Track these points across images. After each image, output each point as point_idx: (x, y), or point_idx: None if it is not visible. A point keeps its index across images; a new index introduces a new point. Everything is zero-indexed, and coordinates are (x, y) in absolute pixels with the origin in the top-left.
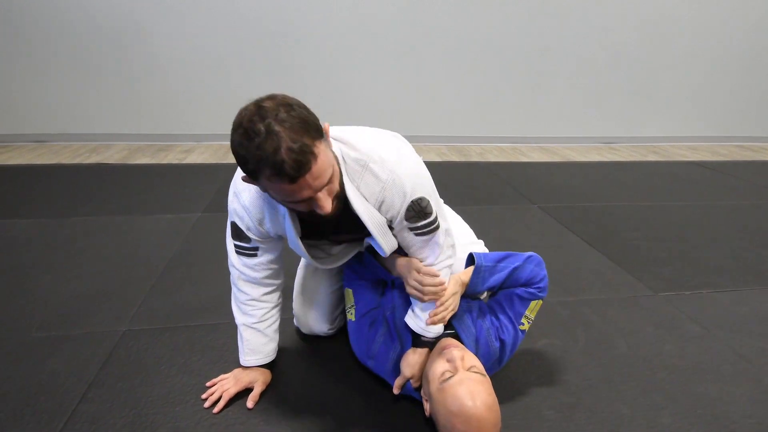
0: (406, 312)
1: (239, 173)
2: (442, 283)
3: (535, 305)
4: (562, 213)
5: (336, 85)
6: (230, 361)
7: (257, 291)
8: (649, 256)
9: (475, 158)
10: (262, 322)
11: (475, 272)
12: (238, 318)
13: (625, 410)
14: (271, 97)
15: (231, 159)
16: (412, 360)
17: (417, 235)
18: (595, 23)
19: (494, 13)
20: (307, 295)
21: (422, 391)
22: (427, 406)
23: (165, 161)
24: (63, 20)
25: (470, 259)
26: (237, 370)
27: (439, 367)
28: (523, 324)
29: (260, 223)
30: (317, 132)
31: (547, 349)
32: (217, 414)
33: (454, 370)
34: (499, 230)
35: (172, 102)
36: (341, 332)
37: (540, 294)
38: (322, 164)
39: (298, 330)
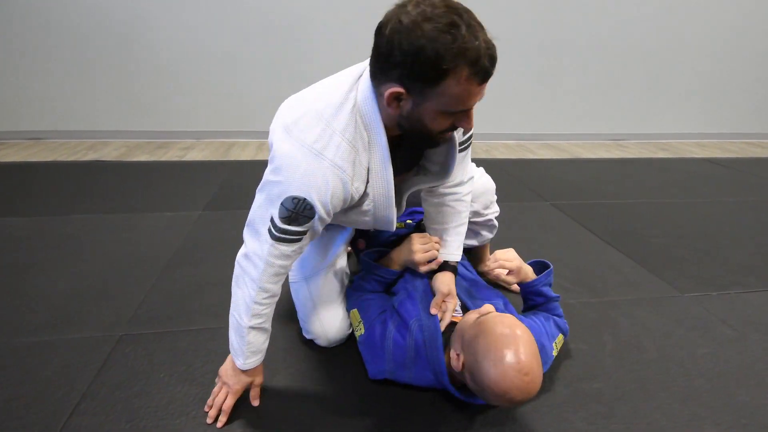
0: (405, 299)
1: (299, 133)
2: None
3: (560, 339)
4: (576, 210)
5: None
6: None
7: (278, 285)
8: (671, 255)
9: (481, 155)
10: (268, 320)
11: (547, 273)
12: (244, 321)
13: (664, 421)
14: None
15: (232, 156)
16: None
17: (460, 150)
18: (602, 19)
19: (501, 9)
20: (323, 312)
21: (452, 352)
22: (457, 361)
23: (164, 158)
24: (59, 15)
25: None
26: (226, 377)
27: (473, 315)
28: (554, 348)
29: (352, 180)
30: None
31: (574, 355)
32: (221, 428)
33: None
34: (516, 228)
35: (171, 98)
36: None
37: (566, 333)
38: None
39: (299, 332)
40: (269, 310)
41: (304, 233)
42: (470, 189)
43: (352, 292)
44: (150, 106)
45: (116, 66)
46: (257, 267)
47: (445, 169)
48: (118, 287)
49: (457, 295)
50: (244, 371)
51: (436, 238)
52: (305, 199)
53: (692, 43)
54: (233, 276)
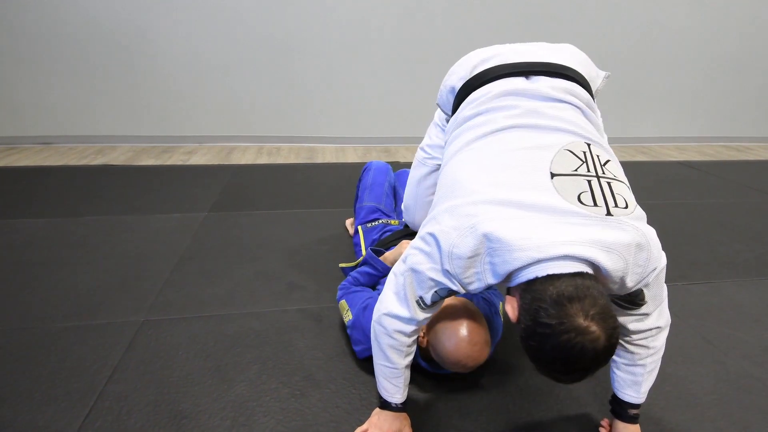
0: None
1: (457, 268)
2: None
3: (501, 306)
4: None
5: (336, 88)
6: (242, 346)
7: (420, 333)
8: None
9: None
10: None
11: None
12: (400, 363)
13: (598, 389)
14: (601, 335)
15: (233, 160)
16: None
17: (629, 310)
18: (585, 26)
19: (486, 17)
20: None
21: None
22: (422, 339)
23: (169, 162)
24: (69, 23)
25: None
26: (381, 422)
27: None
28: (501, 317)
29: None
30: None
31: None
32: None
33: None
34: None
35: (175, 104)
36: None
37: (503, 300)
38: None
39: (299, 319)
40: (414, 348)
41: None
42: (644, 338)
43: (343, 286)
44: (154, 112)
45: (122, 74)
46: (409, 325)
47: None
48: (136, 281)
49: None
50: (392, 417)
51: None
52: (454, 289)
53: (674, 49)
54: (373, 335)
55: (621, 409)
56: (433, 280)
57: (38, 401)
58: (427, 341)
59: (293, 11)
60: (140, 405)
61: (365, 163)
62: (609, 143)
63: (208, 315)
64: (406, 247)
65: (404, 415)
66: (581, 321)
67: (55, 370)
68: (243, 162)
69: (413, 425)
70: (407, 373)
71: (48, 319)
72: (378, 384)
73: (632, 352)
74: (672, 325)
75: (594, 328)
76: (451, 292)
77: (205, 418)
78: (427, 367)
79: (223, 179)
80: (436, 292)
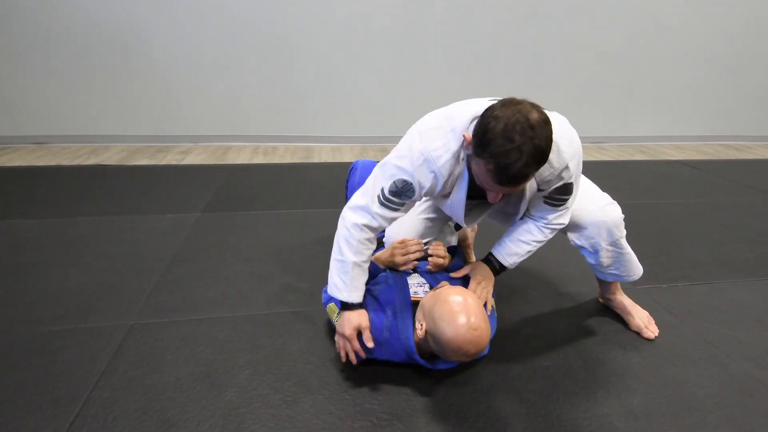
0: (385, 288)
1: (427, 140)
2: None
3: (492, 301)
4: None
5: (333, 87)
6: (234, 350)
7: (375, 234)
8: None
9: None
10: (366, 262)
11: (458, 254)
12: (349, 257)
13: (599, 392)
14: (533, 110)
15: (228, 160)
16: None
17: (553, 204)
18: (584, 25)
19: (485, 15)
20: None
21: (417, 323)
22: (421, 330)
23: (163, 162)
24: (62, 22)
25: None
26: (339, 329)
27: (432, 291)
28: (494, 312)
29: (445, 185)
30: (543, 161)
31: (531, 337)
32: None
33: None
34: (491, 229)
35: (169, 104)
36: None
37: (493, 294)
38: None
39: (291, 325)
40: (368, 254)
41: (402, 205)
42: (550, 229)
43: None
44: (149, 111)
45: (116, 73)
46: (364, 216)
47: (511, 218)
48: (126, 283)
49: (426, 281)
50: (347, 315)
51: (415, 241)
52: (410, 183)
53: (673, 47)
54: (338, 229)
55: (490, 263)
56: (395, 167)
57: (22, 407)
58: (426, 331)
59: (291, 11)
60: (127, 412)
61: None
62: (607, 142)
63: (200, 318)
64: (397, 248)
65: (361, 311)
66: (515, 103)
67: (40, 375)
68: (238, 162)
69: (410, 428)
70: (356, 273)
71: (36, 322)
72: (329, 285)
73: (532, 233)
74: (674, 327)
75: (525, 103)
76: (406, 186)
77: (193, 425)
78: (425, 364)
79: (218, 179)
80: (393, 182)
